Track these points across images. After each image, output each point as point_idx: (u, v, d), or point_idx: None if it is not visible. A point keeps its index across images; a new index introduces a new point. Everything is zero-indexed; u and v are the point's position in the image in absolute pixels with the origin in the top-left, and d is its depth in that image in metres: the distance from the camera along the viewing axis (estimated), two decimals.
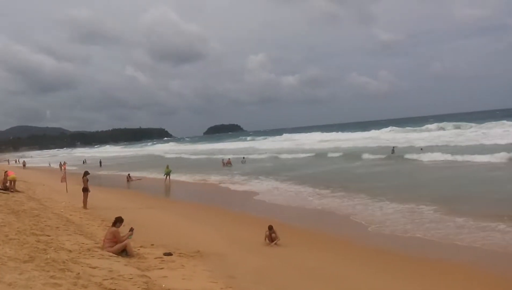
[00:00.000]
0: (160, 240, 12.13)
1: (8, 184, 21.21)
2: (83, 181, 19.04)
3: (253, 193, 23.94)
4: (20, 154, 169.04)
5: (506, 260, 10.31)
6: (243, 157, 46.74)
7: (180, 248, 11.28)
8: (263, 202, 21.15)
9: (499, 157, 29.75)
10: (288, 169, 34.79)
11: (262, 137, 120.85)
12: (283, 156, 50.51)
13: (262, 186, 25.98)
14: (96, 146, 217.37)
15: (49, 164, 66.12)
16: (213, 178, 32.08)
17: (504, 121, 65.18)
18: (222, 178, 31.91)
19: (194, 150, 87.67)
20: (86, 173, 19.65)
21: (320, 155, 47.41)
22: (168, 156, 68.29)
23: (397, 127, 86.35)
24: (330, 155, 45.87)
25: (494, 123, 65.50)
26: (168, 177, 31.49)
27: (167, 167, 32.71)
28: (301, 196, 21.60)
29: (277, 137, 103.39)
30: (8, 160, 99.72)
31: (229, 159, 43.98)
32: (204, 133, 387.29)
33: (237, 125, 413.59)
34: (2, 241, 8.71)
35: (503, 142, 41.68)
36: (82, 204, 18.50)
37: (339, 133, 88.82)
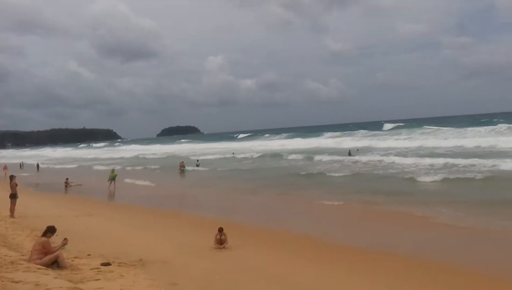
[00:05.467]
0: (99, 250, 11.85)
1: None
2: (11, 187, 18.25)
3: (207, 194, 24.41)
4: None
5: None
6: (197, 160, 46.51)
7: (121, 257, 11.04)
8: (216, 203, 21.80)
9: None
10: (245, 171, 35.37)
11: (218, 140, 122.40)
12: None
13: (215, 188, 26.73)
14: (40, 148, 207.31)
15: None
16: (166, 180, 31.95)
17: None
18: (175, 181, 31.83)
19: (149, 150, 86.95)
20: (12, 177, 18.83)
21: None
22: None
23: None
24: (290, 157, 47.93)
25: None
26: (113, 182, 30.79)
27: (113, 171, 32.01)
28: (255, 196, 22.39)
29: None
30: None
31: (182, 162, 43.53)
32: (158, 135, 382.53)
33: (194, 127, 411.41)
34: None
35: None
36: (9, 213, 17.74)
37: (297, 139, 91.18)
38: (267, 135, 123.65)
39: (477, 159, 29.14)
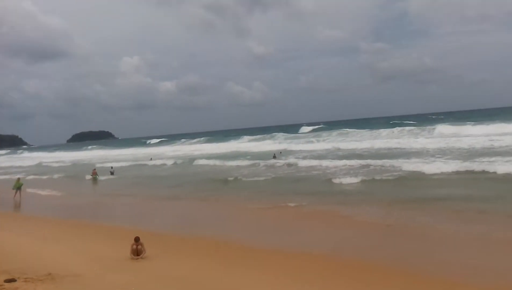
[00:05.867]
0: (3, 266, 11.16)
1: None
2: None
3: (122, 203, 24.33)
4: None
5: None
6: (111, 167, 45.07)
7: (28, 272, 10.47)
8: (132, 211, 21.47)
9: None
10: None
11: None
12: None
13: (131, 196, 26.56)
14: None
15: None
16: (76, 189, 31.19)
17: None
18: (86, 190, 31.15)
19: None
20: None
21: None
22: None
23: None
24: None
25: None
26: (18, 191, 29.06)
27: (18, 180, 30.24)
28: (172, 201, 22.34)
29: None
30: None
31: (94, 169, 42.02)
32: (68, 141, 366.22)
33: (107, 132, 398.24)
34: None
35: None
36: None
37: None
38: (183, 139, 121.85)
39: (388, 160, 30.93)
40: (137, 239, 12.19)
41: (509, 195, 17.73)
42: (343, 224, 15.18)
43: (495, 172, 22.70)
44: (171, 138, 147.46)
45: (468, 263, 10.35)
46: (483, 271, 9.78)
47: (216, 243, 13.61)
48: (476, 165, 24.96)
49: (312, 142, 65.05)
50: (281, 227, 15.64)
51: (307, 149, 53.60)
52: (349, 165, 30.89)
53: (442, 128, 59.93)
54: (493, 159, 27.36)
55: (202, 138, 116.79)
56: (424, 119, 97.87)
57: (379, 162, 30.34)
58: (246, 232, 15.24)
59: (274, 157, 44.22)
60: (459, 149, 36.64)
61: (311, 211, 17.84)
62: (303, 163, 35.47)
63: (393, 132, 65.96)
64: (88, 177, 39.95)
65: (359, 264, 10.69)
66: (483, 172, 23.35)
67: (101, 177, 39.22)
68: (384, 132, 67.17)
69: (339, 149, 48.50)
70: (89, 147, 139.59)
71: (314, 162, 34.89)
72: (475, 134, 49.00)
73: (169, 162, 51.12)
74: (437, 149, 37.93)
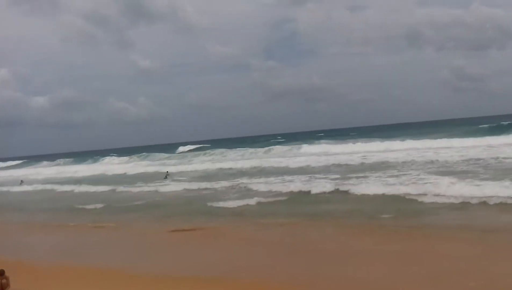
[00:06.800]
0: None
1: None
2: None
3: None
4: None
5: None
6: None
7: None
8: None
9: None
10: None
11: None
12: None
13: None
14: None
15: None
16: None
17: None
18: None
19: None
20: None
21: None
22: None
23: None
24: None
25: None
26: None
27: None
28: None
29: None
30: None
31: None
32: None
33: None
34: None
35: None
36: None
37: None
38: (45, 162, 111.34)
39: (272, 178, 32.35)
40: (1, 272, 11.25)
41: (384, 209, 19.04)
42: (232, 245, 15.58)
43: (363, 193, 23.66)
44: (38, 159, 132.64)
45: (353, 277, 11.07)
46: (367, 284, 10.48)
47: (93, 271, 13.28)
48: (350, 182, 26.72)
49: (198, 160, 64.90)
50: (166, 251, 15.64)
51: (187, 169, 52.62)
52: (229, 186, 31.56)
53: (325, 146, 62.59)
54: (365, 174, 29.65)
55: (69, 159, 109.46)
56: (311, 136, 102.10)
57: (255, 181, 31.68)
58: (127, 258, 15.03)
59: (166, 177, 44.12)
60: (340, 165, 38.65)
61: (195, 234, 17.99)
62: (186, 185, 35.09)
63: (274, 149, 67.98)
64: None
65: (250, 285, 10.98)
66: (356, 188, 24.60)
67: None
68: (265, 149, 68.56)
69: (220, 169, 48.31)
70: None
71: (195, 184, 34.89)
72: (356, 151, 51.50)
73: (37, 187, 47.82)
74: (319, 166, 39.56)
